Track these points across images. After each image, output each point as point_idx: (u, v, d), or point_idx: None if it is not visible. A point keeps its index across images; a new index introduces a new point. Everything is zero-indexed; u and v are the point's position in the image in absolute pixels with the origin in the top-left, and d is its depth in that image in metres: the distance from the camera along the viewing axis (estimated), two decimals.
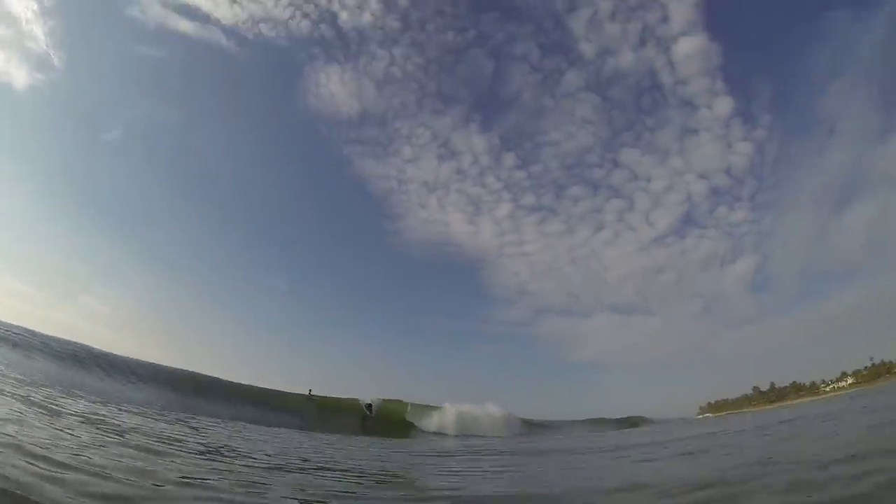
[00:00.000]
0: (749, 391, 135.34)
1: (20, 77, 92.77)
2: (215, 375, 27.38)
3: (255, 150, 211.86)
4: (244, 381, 31.93)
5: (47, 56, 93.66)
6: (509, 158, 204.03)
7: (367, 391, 41.49)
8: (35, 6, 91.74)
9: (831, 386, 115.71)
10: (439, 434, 31.92)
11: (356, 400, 39.83)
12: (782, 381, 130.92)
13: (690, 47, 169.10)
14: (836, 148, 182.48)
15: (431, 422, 36.55)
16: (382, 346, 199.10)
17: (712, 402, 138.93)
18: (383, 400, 37.92)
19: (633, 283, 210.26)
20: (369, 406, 33.48)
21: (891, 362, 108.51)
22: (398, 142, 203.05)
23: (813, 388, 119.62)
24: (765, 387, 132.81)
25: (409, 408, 38.29)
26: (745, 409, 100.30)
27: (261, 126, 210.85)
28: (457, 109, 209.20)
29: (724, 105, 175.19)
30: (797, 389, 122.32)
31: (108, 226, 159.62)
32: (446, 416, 38.69)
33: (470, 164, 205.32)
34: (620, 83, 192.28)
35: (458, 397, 37.58)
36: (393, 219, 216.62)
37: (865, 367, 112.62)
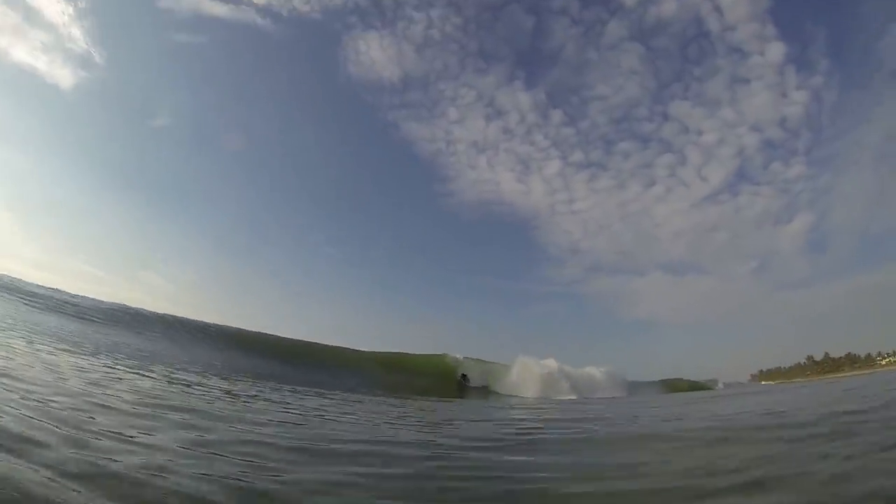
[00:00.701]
0: (802, 360, 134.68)
1: (66, 78, 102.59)
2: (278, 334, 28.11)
3: (301, 122, 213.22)
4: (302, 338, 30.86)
5: (88, 55, 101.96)
6: (556, 115, 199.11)
7: (421, 347, 40.49)
8: (70, 10, 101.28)
9: (887, 359, 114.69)
10: (545, 398, 26.88)
11: (440, 356, 35.78)
12: (836, 352, 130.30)
13: None
14: None
15: (529, 381, 31.70)
16: (435, 307, 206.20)
17: (764, 369, 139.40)
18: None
19: (685, 240, 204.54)
20: (465, 377, 30.37)
21: None
22: (443, 104, 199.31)
23: (869, 360, 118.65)
24: (819, 356, 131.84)
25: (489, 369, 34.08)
26: (798, 379, 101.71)
27: (305, 99, 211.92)
28: (499, 67, 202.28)
29: (777, 51, 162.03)
30: (852, 361, 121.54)
31: (164, 206, 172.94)
32: (551, 374, 33.69)
33: (517, 122, 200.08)
34: (665, 31, 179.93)
35: (511, 356, 36.08)
36: (443, 181, 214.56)
37: None
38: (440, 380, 28.62)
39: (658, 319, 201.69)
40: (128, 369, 9.09)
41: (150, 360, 11.85)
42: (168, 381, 8.69)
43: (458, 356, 36.18)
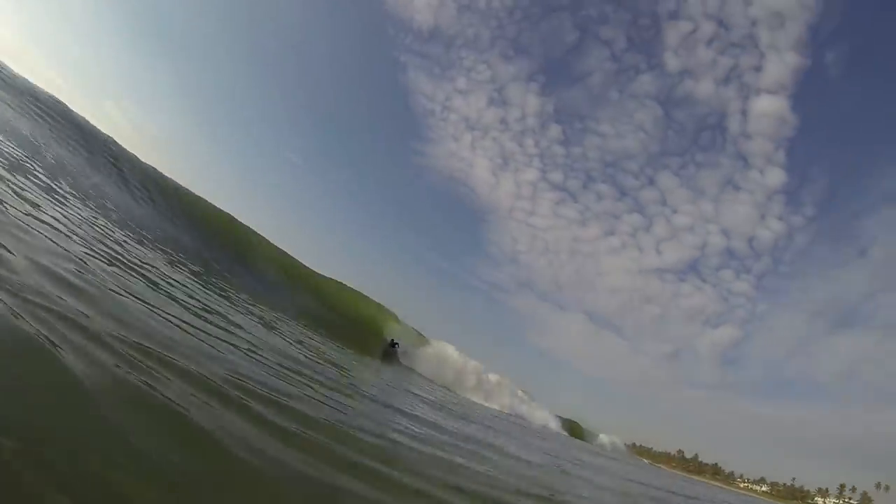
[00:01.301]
0: (674, 451, 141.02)
1: None
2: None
3: (318, 28, 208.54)
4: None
5: None
6: (554, 130, 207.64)
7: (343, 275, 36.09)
8: None
9: (746, 484, 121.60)
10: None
11: (375, 304, 32.01)
12: (708, 458, 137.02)
13: (770, 107, 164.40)
14: (859, 271, 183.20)
15: (447, 370, 30.21)
16: (374, 246, 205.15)
17: (637, 443, 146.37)
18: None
19: (619, 299, 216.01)
20: (395, 343, 27.21)
21: (808, 491, 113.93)
22: (457, 69, 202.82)
23: (730, 478, 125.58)
24: (689, 454, 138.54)
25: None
26: (662, 466, 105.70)
27: (332, 7, 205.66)
28: (524, 63, 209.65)
29: (776, 177, 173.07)
30: (715, 472, 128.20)
31: (161, 52, 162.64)
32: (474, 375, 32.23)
33: (516, 119, 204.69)
34: (689, 109, 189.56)
35: (415, 323, 34.22)
36: (423, 140, 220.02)
37: (784, 484, 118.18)
38: (364, 331, 24.87)
39: (562, 357, 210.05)
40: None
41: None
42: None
43: (395, 315, 32.42)
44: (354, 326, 23.10)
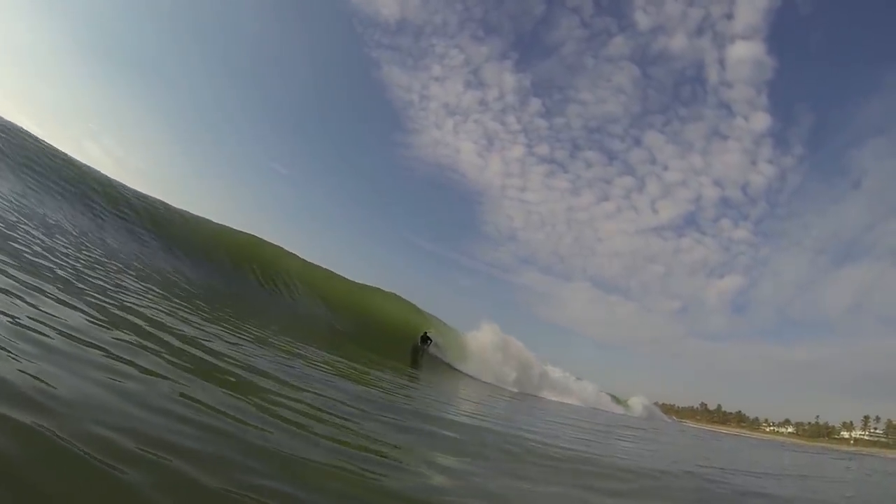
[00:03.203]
0: (696, 405, 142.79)
1: None
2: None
3: (284, 33, 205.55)
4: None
5: None
6: (535, 104, 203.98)
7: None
8: None
9: (772, 428, 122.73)
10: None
11: (396, 297, 29.17)
12: (730, 407, 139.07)
13: (746, 52, 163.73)
14: (855, 203, 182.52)
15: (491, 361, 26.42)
16: (375, 243, 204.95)
17: (659, 402, 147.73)
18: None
19: (621, 262, 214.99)
20: (427, 339, 23.51)
21: (833, 427, 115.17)
22: (430, 58, 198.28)
23: (755, 423, 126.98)
24: (712, 406, 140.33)
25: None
26: (688, 421, 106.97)
27: (295, 9, 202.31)
28: (496, 42, 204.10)
29: (762, 121, 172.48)
30: (740, 420, 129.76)
31: (135, 82, 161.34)
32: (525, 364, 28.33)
33: (495, 98, 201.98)
34: (666, 65, 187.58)
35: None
36: (406, 132, 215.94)
37: (809, 423, 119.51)
38: (391, 332, 22.38)
39: (574, 327, 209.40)
40: None
41: None
42: None
43: (420, 309, 30.04)
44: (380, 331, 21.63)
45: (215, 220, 20.31)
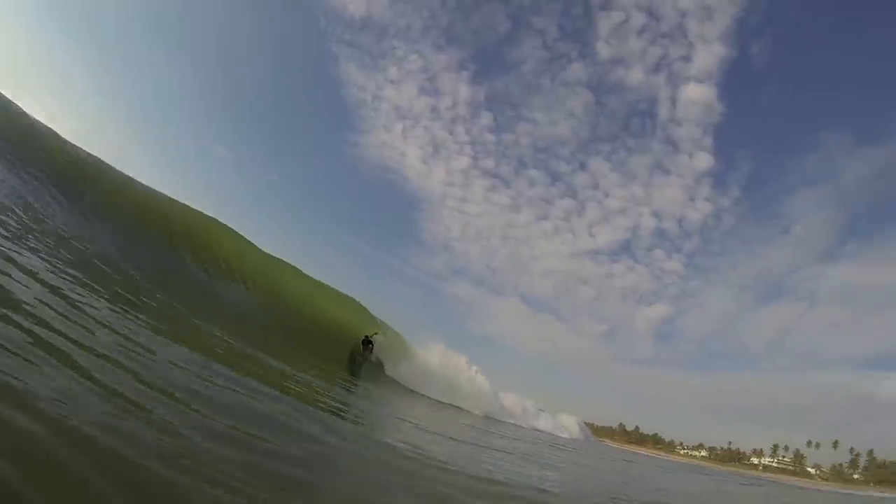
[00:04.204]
0: (615, 425, 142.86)
1: None
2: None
3: (250, 14, 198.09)
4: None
5: None
6: (486, 118, 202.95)
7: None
8: None
9: (686, 451, 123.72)
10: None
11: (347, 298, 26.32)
12: (647, 429, 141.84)
13: (698, 95, 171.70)
14: (783, 247, 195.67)
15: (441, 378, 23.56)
16: (315, 240, 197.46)
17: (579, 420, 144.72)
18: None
19: (553, 282, 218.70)
20: (369, 343, 20.73)
21: (744, 453, 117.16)
22: (389, 59, 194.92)
23: (670, 446, 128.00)
24: (630, 427, 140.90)
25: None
26: (606, 440, 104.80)
27: None
28: (456, 52, 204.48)
29: (704, 161, 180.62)
30: (656, 441, 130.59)
31: (90, 44, 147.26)
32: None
33: (447, 108, 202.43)
34: (620, 96, 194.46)
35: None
36: (355, 131, 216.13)
37: (721, 448, 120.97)
38: (331, 331, 20.11)
39: (503, 341, 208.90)
40: None
41: None
42: None
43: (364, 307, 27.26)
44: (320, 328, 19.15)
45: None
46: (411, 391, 19.96)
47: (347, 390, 10.66)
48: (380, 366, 20.92)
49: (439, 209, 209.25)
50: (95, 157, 16.15)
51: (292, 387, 7.04)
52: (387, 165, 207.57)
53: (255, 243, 22.50)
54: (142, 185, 17.74)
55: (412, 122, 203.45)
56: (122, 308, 5.74)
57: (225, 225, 20.60)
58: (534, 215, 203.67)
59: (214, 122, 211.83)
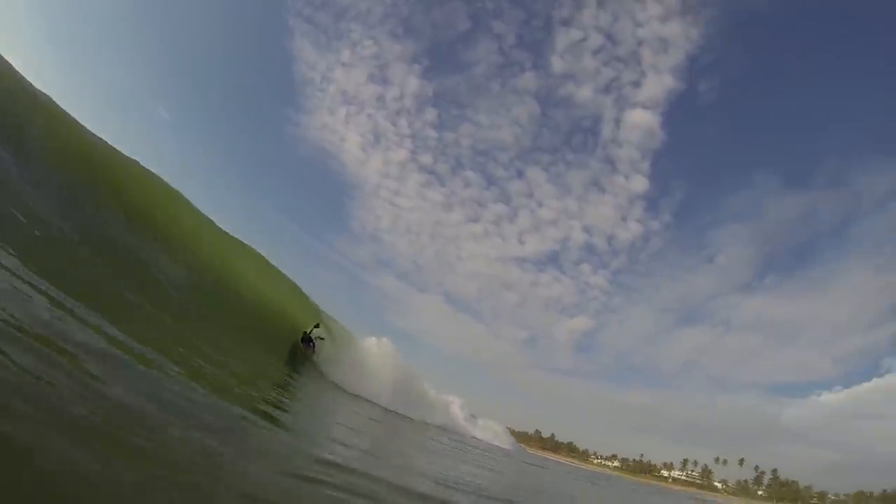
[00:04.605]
0: (531, 431, 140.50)
1: None
2: None
3: None
4: None
5: None
6: (431, 114, 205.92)
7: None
8: None
9: (599, 461, 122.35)
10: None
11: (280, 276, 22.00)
12: (563, 437, 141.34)
13: (643, 120, 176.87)
14: (705, 275, 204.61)
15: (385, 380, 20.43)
16: (234, 205, 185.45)
17: None
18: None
19: (477, 284, 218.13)
20: (310, 340, 17.11)
21: (655, 465, 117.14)
22: (344, 41, 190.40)
23: (584, 455, 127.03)
24: (546, 434, 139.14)
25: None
26: (522, 445, 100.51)
27: None
28: (411, 44, 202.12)
29: (640, 184, 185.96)
30: (571, 450, 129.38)
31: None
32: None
33: (393, 98, 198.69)
34: (566, 110, 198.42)
35: None
36: (298, 109, 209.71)
37: (634, 459, 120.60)
38: (270, 318, 16.06)
39: (422, 337, 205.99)
40: None
41: None
42: None
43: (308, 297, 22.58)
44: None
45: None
46: (354, 395, 16.74)
47: (278, 385, 9.22)
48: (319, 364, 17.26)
49: (371, 199, 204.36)
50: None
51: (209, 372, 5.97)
52: (325, 148, 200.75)
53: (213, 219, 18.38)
54: (93, 134, 13.32)
55: (357, 108, 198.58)
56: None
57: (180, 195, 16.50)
58: (465, 216, 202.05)
59: (155, 77, 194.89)
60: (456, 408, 30.15)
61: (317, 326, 17.60)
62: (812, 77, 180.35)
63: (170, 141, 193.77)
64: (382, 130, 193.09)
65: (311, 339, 17.06)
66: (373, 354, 21.36)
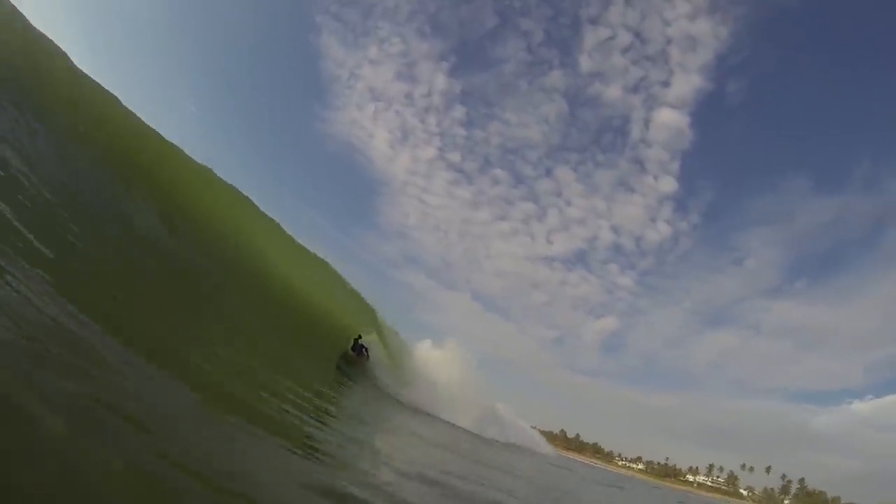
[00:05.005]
0: (556, 431, 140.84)
1: None
2: None
3: None
4: None
5: None
6: (459, 112, 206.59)
7: None
8: None
9: (624, 462, 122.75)
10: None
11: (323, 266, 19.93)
12: (588, 437, 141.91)
13: (671, 120, 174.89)
14: (733, 278, 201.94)
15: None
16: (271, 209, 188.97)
17: None
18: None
19: (506, 283, 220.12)
20: (362, 347, 15.77)
21: (680, 469, 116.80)
22: (371, 38, 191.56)
23: (609, 456, 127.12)
24: (571, 434, 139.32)
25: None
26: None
27: None
28: (439, 42, 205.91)
29: (669, 185, 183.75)
30: (596, 451, 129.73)
31: None
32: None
33: (422, 95, 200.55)
34: (595, 110, 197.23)
35: None
36: (326, 106, 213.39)
37: (658, 463, 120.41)
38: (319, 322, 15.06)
39: (449, 335, 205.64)
40: None
41: None
42: None
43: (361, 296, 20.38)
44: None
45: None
46: (430, 415, 15.48)
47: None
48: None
49: (399, 196, 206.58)
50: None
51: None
52: (353, 144, 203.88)
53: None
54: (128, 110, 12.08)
55: (385, 105, 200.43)
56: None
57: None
58: (493, 214, 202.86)
59: (185, 72, 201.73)
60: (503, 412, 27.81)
61: (359, 338, 15.77)
62: (845, 77, 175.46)
63: (196, 135, 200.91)
64: (410, 127, 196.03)
65: (363, 347, 15.43)
66: (439, 362, 19.51)
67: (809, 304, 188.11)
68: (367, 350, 15.62)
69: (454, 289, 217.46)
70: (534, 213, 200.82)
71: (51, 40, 9.85)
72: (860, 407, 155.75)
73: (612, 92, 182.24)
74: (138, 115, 11.95)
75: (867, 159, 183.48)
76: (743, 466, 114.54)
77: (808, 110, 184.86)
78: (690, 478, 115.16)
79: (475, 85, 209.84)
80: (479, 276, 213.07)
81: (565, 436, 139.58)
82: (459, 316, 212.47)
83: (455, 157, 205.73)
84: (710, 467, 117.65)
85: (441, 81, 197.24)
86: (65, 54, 10.38)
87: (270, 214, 17.02)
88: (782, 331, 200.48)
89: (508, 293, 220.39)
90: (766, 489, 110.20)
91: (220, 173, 14.56)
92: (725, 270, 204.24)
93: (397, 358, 18.04)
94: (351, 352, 15.06)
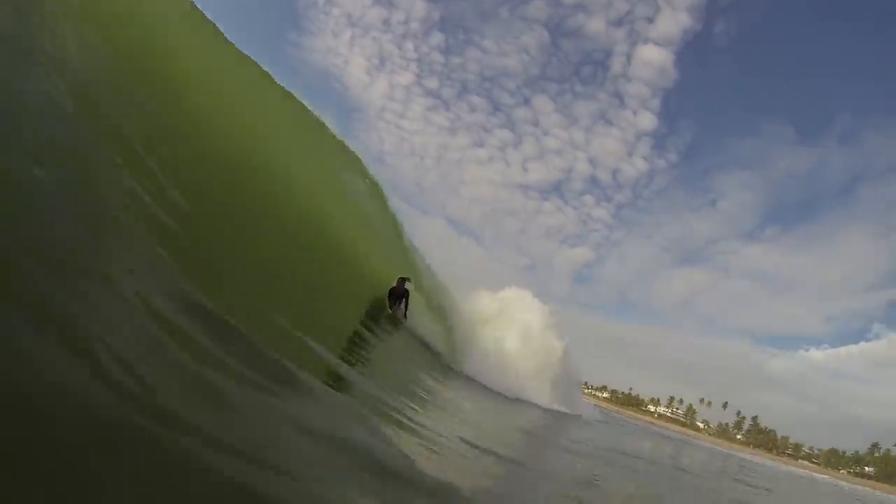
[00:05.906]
0: None
1: None
2: None
3: None
4: None
5: None
6: (437, 38, 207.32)
7: None
8: None
9: (590, 391, 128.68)
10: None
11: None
12: None
13: (655, 57, 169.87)
14: (706, 218, 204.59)
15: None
16: None
17: None
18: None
19: (480, 209, 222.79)
20: (405, 294, 10.66)
21: (643, 399, 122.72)
22: None
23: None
24: None
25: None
26: None
27: None
28: None
29: (648, 121, 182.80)
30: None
31: None
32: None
33: (399, 21, 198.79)
34: (576, 41, 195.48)
35: None
36: (301, 32, 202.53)
37: (623, 392, 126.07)
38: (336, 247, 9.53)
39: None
40: None
41: None
42: None
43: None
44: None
45: None
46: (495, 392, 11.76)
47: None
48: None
49: (375, 122, 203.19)
50: None
51: None
52: (329, 71, 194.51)
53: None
54: None
55: (361, 31, 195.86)
56: None
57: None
58: (470, 141, 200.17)
59: None
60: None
61: (407, 279, 11.08)
62: (833, 28, 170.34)
63: None
64: (388, 54, 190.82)
65: (404, 293, 10.82)
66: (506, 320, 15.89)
67: (779, 251, 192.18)
68: (406, 298, 10.80)
69: (428, 214, 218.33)
70: (510, 140, 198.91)
71: None
72: (816, 354, 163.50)
73: (595, 25, 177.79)
74: None
75: (847, 113, 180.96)
76: (702, 401, 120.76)
77: (795, 59, 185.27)
78: (652, 408, 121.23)
79: (454, 11, 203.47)
80: (454, 202, 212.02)
81: None
82: (433, 242, 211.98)
83: (432, 83, 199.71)
84: (671, 399, 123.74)
85: (419, 7, 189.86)
86: None
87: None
88: (751, 274, 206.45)
89: (482, 220, 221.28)
90: (720, 424, 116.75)
91: None
92: (700, 210, 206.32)
93: (446, 315, 13.65)
94: (387, 300, 10.60)
